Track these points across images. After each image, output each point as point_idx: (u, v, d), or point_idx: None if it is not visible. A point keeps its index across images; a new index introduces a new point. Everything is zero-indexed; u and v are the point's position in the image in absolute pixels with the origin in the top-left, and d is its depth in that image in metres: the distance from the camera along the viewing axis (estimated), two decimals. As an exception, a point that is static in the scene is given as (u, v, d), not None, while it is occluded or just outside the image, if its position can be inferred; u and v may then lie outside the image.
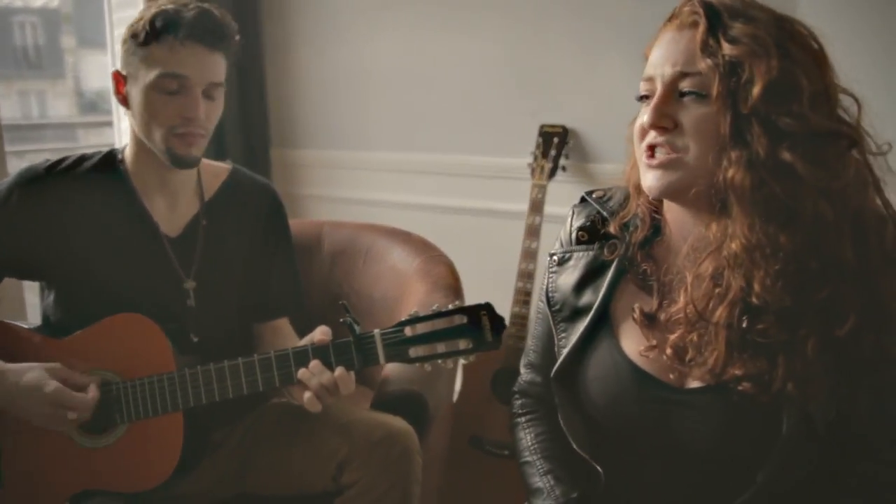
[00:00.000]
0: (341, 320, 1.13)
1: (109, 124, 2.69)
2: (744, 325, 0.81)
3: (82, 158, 1.33)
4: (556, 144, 2.07)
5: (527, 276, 1.97)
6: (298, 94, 2.61)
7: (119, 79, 1.28)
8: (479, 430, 1.97)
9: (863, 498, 0.86)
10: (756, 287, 0.80)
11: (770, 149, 0.77)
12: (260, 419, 1.38)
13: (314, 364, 1.12)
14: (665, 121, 0.82)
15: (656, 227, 0.95)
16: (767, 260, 0.79)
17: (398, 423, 1.29)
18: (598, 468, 0.96)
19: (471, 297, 1.59)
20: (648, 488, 0.94)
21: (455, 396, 1.88)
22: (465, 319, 1.09)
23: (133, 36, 1.24)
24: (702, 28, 0.80)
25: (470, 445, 1.97)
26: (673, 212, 0.92)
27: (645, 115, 0.85)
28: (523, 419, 1.11)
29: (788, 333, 0.80)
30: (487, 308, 1.10)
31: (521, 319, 1.96)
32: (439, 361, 1.11)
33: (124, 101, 1.29)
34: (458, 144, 2.34)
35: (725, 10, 0.81)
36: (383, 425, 1.27)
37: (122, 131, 2.58)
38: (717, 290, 0.83)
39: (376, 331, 1.12)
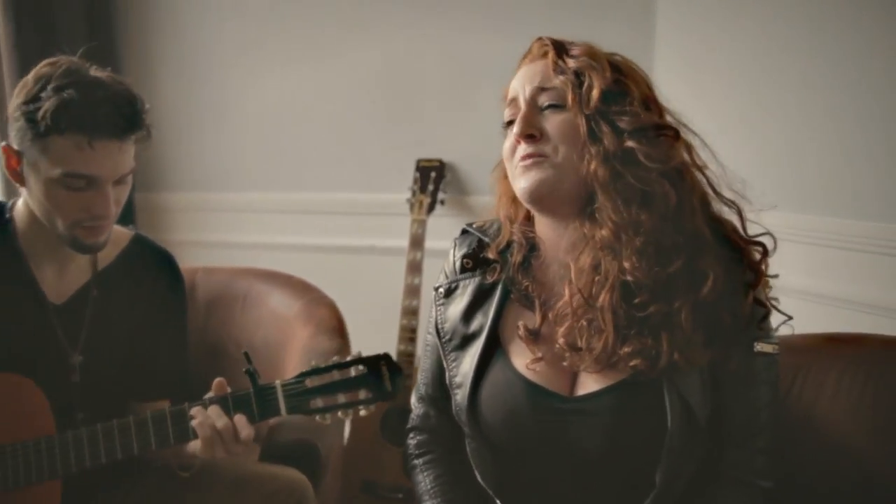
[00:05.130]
0: (244, 370, 1.13)
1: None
2: (625, 305, 0.94)
3: None
4: (433, 179, 2.14)
5: (411, 312, 2.01)
6: (163, 134, 2.49)
7: (10, 154, 1.18)
8: (371, 474, 1.99)
9: (737, 486, 0.98)
10: (626, 264, 0.93)
11: (616, 141, 0.94)
12: (141, 485, 1.33)
13: (212, 409, 1.11)
14: (532, 129, 0.97)
15: (532, 247, 1.06)
16: (631, 238, 0.93)
17: (292, 473, 1.28)
18: (499, 503, 1.02)
19: (355, 338, 1.66)
20: None
21: (344, 440, 1.90)
22: (364, 370, 1.13)
23: (29, 120, 1.12)
24: (552, 53, 1.00)
25: (362, 491, 1.99)
26: (544, 226, 1.03)
27: (513, 130, 0.99)
28: (420, 461, 1.15)
29: (666, 306, 0.92)
30: (386, 358, 1.15)
31: (407, 357, 2.00)
32: (339, 413, 1.14)
33: (17, 177, 1.20)
34: (334, 182, 2.36)
35: (566, 42, 1.02)
36: (277, 477, 1.27)
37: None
38: (597, 278, 0.95)
39: (277, 382, 1.14)
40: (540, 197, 0.98)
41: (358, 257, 2.34)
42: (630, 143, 0.94)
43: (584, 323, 0.96)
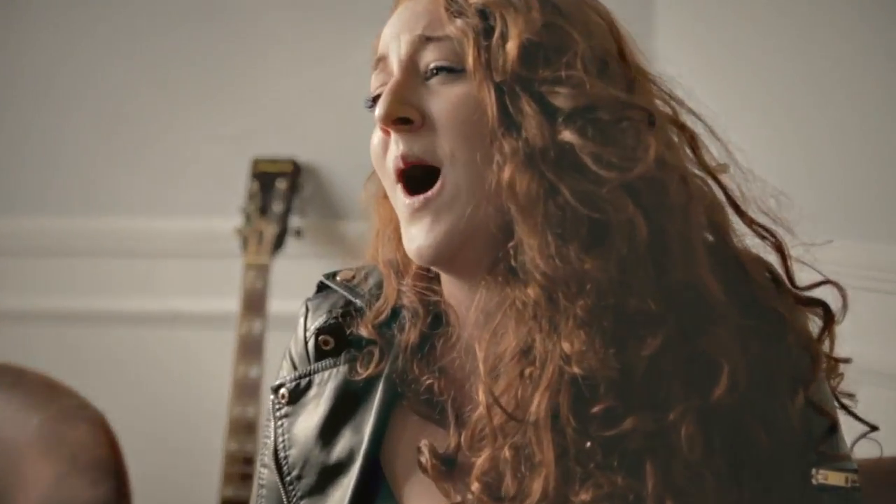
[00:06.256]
0: None
1: None
2: (578, 419, 0.90)
3: None
4: (282, 192, 2.15)
5: (244, 429, 1.99)
6: None
7: None
8: None
9: None
10: (565, 346, 0.90)
11: (547, 130, 0.92)
12: None
13: None
14: (408, 110, 0.95)
15: (436, 317, 1.04)
16: (572, 301, 0.91)
17: None
18: None
19: (142, 478, 1.66)
20: None
21: None
22: None
23: None
24: None
25: None
26: (451, 283, 1.03)
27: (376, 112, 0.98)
28: None
29: (650, 419, 0.89)
30: None
31: (237, 507, 1.94)
32: None
33: None
34: (101, 201, 2.37)
35: None
36: None
37: None
38: (527, 372, 0.93)
39: None
40: (449, 257, 0.97)
41: (149, 333, 2.32)
42: (568, 135, 0.91)
43: (509, 453, 0.93)
